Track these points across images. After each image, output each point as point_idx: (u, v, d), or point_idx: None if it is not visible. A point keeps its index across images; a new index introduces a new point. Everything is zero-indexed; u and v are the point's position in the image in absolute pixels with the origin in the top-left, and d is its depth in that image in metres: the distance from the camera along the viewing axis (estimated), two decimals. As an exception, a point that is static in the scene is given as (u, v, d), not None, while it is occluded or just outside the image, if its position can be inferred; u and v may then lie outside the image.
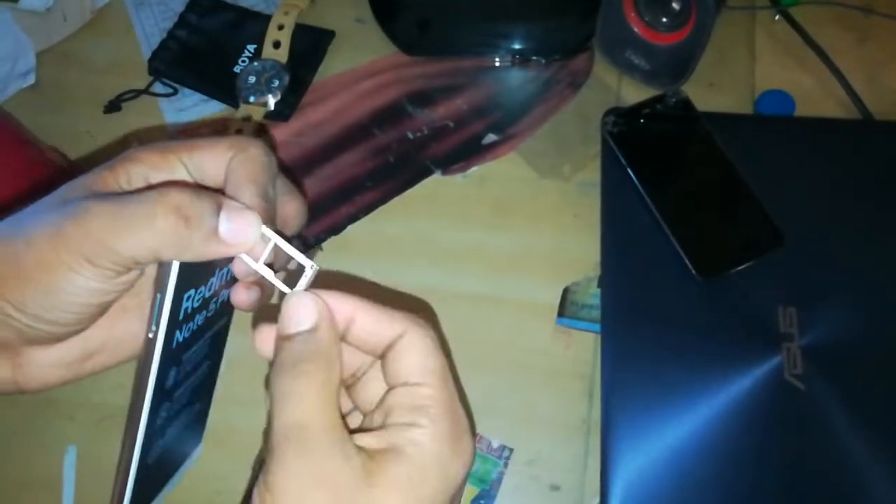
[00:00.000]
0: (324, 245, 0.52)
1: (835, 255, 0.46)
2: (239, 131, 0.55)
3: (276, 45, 0.58)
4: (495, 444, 0.46)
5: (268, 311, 0.32)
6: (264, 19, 0.59)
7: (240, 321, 0.50)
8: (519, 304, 0.49)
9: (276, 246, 0.29)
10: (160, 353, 0.28)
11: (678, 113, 0.51)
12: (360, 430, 0.28)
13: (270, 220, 0.30)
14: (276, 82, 0.56)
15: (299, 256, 0.29)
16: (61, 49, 0.61)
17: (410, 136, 0.55)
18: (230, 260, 0.31)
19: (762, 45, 0.57)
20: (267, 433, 0.27)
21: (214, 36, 0.60)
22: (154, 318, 0.28)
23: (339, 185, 0.54)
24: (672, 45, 0.52)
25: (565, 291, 0.49)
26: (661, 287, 0.47)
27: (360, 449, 0.26)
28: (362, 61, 0.59)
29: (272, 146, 0.32)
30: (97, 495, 0.47)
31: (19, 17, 0.59)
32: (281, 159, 0.55)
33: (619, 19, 0.54)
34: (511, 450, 0.45)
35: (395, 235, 0.52)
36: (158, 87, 0.59)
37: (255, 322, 0.32)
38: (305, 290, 0.28)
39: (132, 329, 0.33)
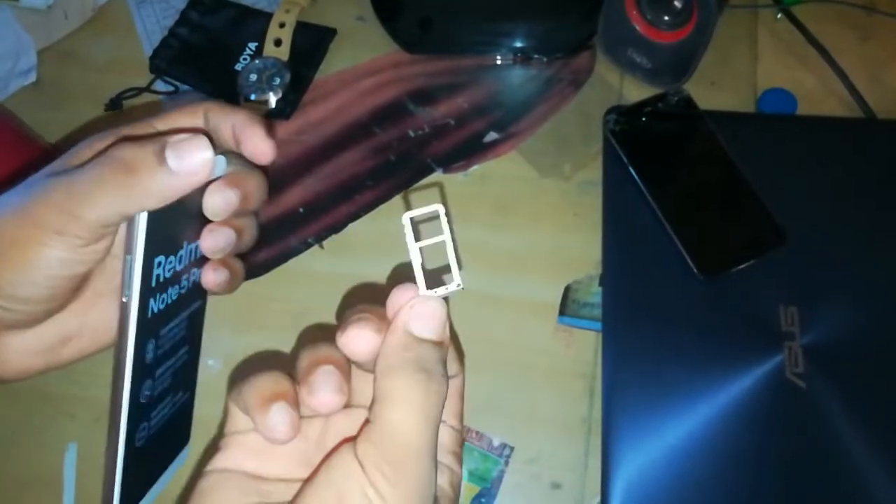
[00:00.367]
0: (324, 243, 0.52)
1: (836, 254, 0.46)
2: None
3: (278, 42, 0.58)
4: (496, 443, 0.46)
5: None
6: (265, 17, 0.59)
7: (233, 320, 0.50)
8: (520, 303, 0.49)
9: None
10: (136, 316, 0.28)
11: (680, 111, 0.51)
12: None
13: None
14: (278, 80, 0.56)
15: (453, 263, 0.28)
16: (62, 47, 0.61)
17: (411, 134, 0.55)
18: (198, 232, 0.32)
19: (764, 43, 0.57)
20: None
21: (216, 34, 0.60)
22: (126, 282, 0.28)
23: (339, 184, 0.54)
24: (674, 44, 0.52)
25: (566, 290, 0.49)
26: (662, 286, 0.47)
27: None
28: (363, 59, 0.59)
29: (273, 136, 0.33)
30: (97, 493, 0.46)
31: (20, 14, 0.59)
32: (280, 158, 0.55)
33: (620, 18, 0.53)
34: (512, 448, 0.45)
35: (396, 234, 0.52)
36: (160, 86, 0.59)
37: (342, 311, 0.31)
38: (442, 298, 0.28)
39: (107, 314, 0.33)
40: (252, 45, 0.59)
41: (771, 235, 0.46)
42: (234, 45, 0.59)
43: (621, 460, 0.42)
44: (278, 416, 0.26)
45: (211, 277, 0.34)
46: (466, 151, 0.54)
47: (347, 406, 0.28)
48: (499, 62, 0.57)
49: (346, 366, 0.28)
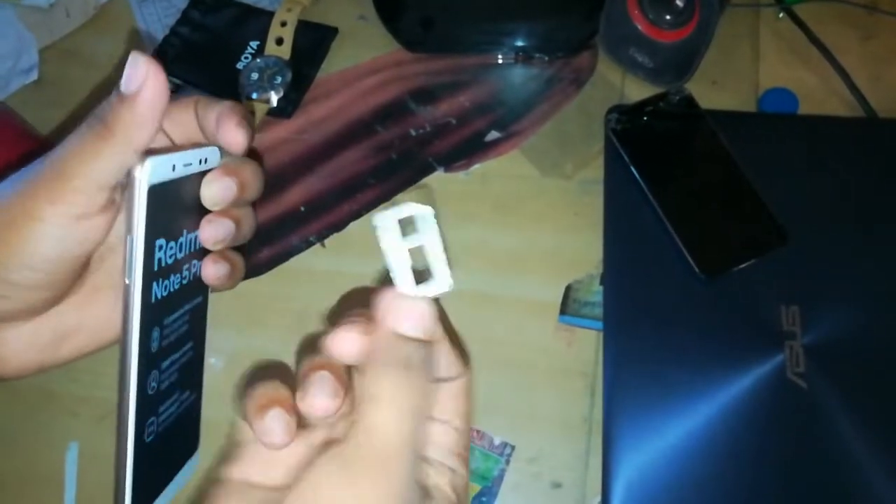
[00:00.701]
0: (326, 242, 0.52)
1: (838, 253, 0.46)
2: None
3: (279, 41, 0.58)
4: (497, 442, 0.46)
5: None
6: (267, 16, 0.59)
7: (235, 318, 0.50)
8: (521, 302, 0.49)
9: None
10: (139, 297, 0.29)
11: (681, 111, 0.51)
12: None
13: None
14: (279, 79, 0.56)
15: (441, 264, 0.28)
16: (64, 45, 0.61)
17: (413, 133, 0.55)
18: (197, 222, 0.33)
19: (766, 42, 0.57)
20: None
21: (217, 32, 0.60)
22: (128, 263, 0.29)
23: (341, 182, 0.54)
24: (676, 43, 0.52)
25: (567, 289, 0.49)
26: (663, 285, 0.47)
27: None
28: (365, 58, 0.59)
29: (252, 126, 0.34)
30: (99, 492, 0.47)
31: (22, 13, 0.59)
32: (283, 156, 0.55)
33: (622, 17, 0.53)
34: (513, 447, 0.45)
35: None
36: (161, 84, 0.59)
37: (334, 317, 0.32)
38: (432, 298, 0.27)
39: (107, 310, 0.33)
40: (254, 44, 0.59)
41: (772, 235, 0.46)
42: (235, 44, 0.59)
43: (622, 459, 0.42)
44: (273, 422, 0.26)
45: (211, 270, 0.34)
46: (468, 150, 0.54)
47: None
48: (500, 61, 0.57)
49: (344, 372, 0.28)
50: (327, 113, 0.57)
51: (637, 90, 0.55)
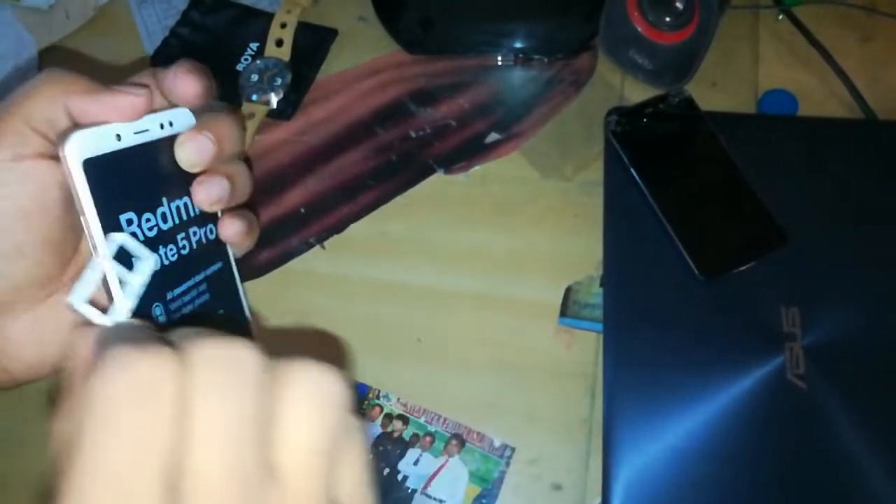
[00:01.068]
0: (326, 244, 0.52)
1: (838, 255, 0.46)
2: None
3: (279, 43, 0.58)
4: (497, 444, 0.46)
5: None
6: (267, 17, 0.59)
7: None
8: (521, 304, 0.49)
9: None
10: (114, 272, 0.27)
11: (681, 112, 0.51)
12: None
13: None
14: (279, 80, 0.56)
15: (117, 293, 0.27)
16: (63, 47, 0.61)
17: (413, 134, 0.55)
18: (185, 188, 0.32)
19: (765, 44, 0.57)
20: None
21: (217, 33, 0.60)
22: (90, 243, 0.27)
23: (341, 184, 0.54)
24: (675, 45, 0.52)
25: (567, 291, 0.49)
26: (663, 287, 0.47)
27: None
28: (365, 60, 0.59)
29: (205, 74, 0.34)
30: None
31: (22, 14, 0.59)
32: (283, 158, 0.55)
33: (622, 18, 0.53)
34: (513, 449, 0.45)
35: (397, 235, 0.52)
36: (161, 85, 0.59)
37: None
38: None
39: None
40: (253, 46, 0.59)
41: (772, 236, 0.46)
42: (235, 46, 0.59)
43: (622, 461, 0.42)
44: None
45: (228, 229, 0.34)
46: (468, 152, 0.54)
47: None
48: (500, 63, 0.57)
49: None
50: (327, 114, 0.57)
51: (637, 92, 0.55)
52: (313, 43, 0.59)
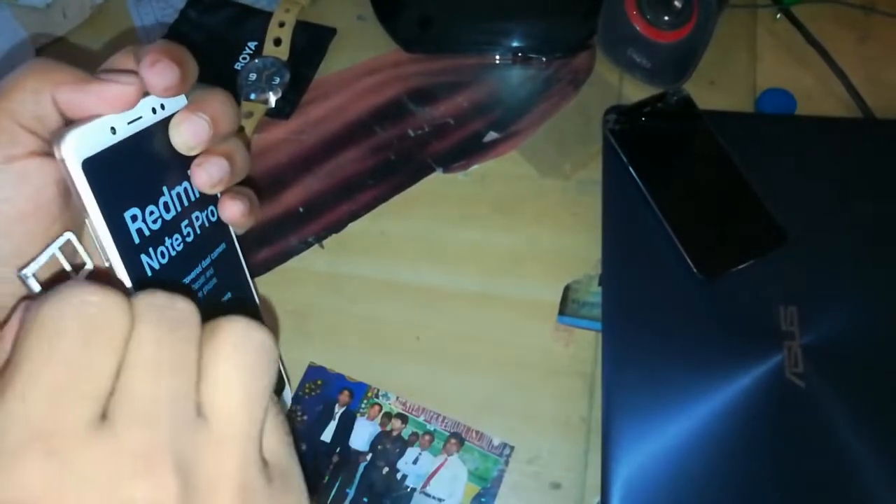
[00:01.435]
0: (325, 243, 0.52)
1: (836, 253, 0.46)
2: (241, 129, 0.55)
3: (277, 42, 0.58)
4: (496, 442, 0.46)
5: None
6: (265, 16, 0.59)
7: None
8: (519, 303, 0.49)
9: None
10: (126, 278, 0.27)
11: (679, 111, 0.51)
12: None
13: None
14: (277, 79, 0.56)
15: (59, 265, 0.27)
16: (61, 45, 0.61)
17: (411, 133, 0.55)
18: (182, 174, 0.31)
19: (763, 43, 0.57)
20: None
21: (215, 32, 0.60)
22: (98, 245, 0.27)
23: (339, 183, 0.54)
24: (674, 44, 0.52)
25: (566, 289, 0.49)
26: (662, 285, 0.47)
27: None
28: (363, 59, 0.59)
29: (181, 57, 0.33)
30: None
31: (19, 13, 0.59)
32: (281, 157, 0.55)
33: (620, 17, 0.53)
34: (512, 448, 0.45)
35: (396, 233, 0.52)
36: (159, 84, 0.59)
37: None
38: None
39: None
40: (251, 45, 0.59)
41: (770, 235, 0.46)
42: (233, 45, 0.59)
43: (621, 460, 0.42)
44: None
45: (230, 210, 0.33)
46: (466, 151, 0.54)
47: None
48: (498, 62, 0.57)
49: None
50: (325, 113, 0.57)
51: (635, 91, 0.55)
52: (312, 42, 0.59)
